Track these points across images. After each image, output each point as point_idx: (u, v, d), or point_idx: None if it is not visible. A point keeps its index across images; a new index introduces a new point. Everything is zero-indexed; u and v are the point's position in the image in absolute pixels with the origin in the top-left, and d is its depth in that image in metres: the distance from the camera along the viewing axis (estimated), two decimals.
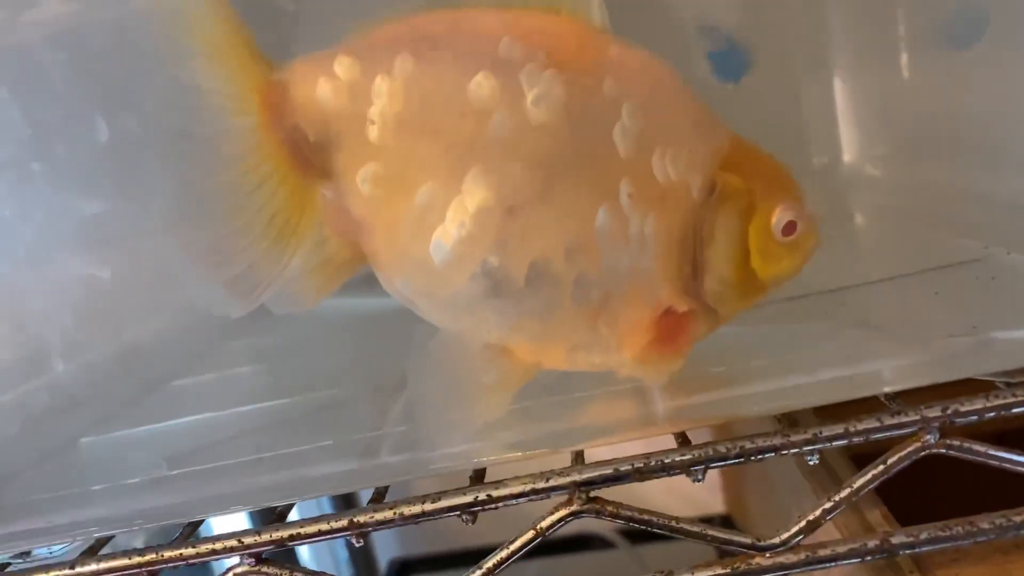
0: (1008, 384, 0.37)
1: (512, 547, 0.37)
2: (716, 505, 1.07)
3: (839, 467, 0.50)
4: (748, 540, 0.36)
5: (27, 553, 0.43)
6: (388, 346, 0.58)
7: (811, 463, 0.37)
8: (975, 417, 0.35)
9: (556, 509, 0.37)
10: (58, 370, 0.64)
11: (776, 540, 0.36)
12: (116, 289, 0.73)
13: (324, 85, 0.37)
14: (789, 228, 0.38)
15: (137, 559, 0.38)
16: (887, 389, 0.37)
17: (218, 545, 0.38)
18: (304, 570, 0.38)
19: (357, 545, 0.39)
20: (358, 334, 0.65)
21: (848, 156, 0.90)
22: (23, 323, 0.64)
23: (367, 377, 0.55)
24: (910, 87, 0.79)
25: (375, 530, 0.38)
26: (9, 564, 0.42)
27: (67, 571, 0.39)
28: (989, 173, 0.62)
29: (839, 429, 0.36)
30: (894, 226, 0.71)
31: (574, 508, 0.37)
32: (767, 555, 0.36)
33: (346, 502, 0.90)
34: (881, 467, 0.36)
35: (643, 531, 0.37)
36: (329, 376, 0.58)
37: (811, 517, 0.36)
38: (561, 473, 0.37)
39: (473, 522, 0.38)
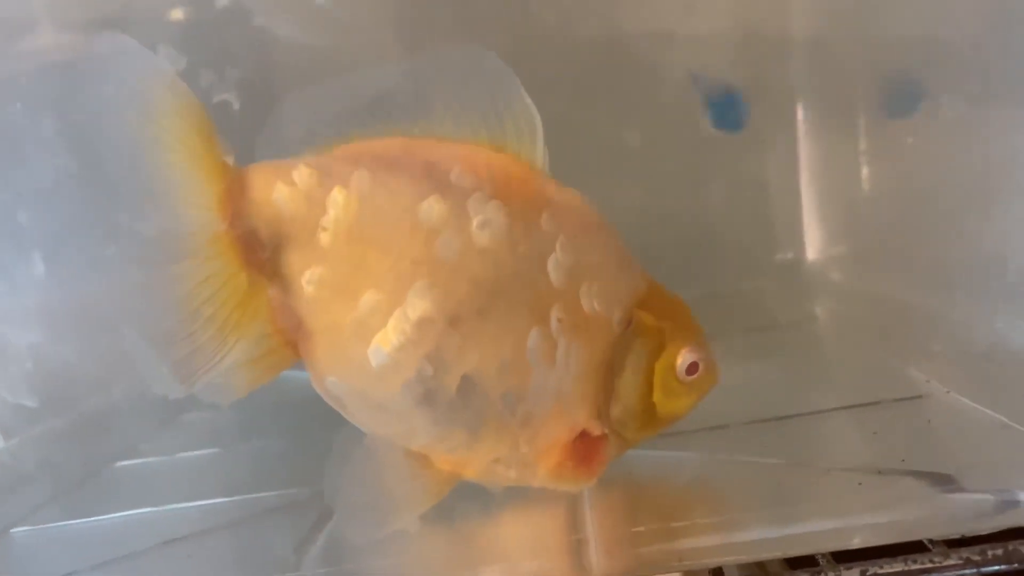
0: (933, 543, 0.37)
1: None
2: None
3: None
4: None
5: None
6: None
7: None
8: None
9: None
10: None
11: None
12: (68, 360, 0.72)
13: (282, 190, 0.39)
14: (692, 368, 0.42)
15: None
16: (817, 551, 0.37)
17: None
18: None
19: None
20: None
21: (812, 254, 0.91)
22: None
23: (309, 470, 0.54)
24: (870, 193, 0.80)
25: None
26: None
27: None
28: (944, 294, 0.63)
29: None
30: (846, 340, 0.71)
31: None
32: None
33: None
34: None
35: None
36: (274, 460, 0.59)
37: None
38: None
39: None
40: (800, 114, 0.87)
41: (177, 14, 0.69)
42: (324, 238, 0.39)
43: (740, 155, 0.87)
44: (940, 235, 0.66)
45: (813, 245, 0.90)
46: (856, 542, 0.38)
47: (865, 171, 0.80)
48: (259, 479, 0.56)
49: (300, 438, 0.61)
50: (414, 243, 0.38)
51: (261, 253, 0.39)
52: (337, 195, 0.39)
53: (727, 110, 0.80)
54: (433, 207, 0.38)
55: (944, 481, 0.40)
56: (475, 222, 0.39)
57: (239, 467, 0.62)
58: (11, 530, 0.53)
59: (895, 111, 0.76)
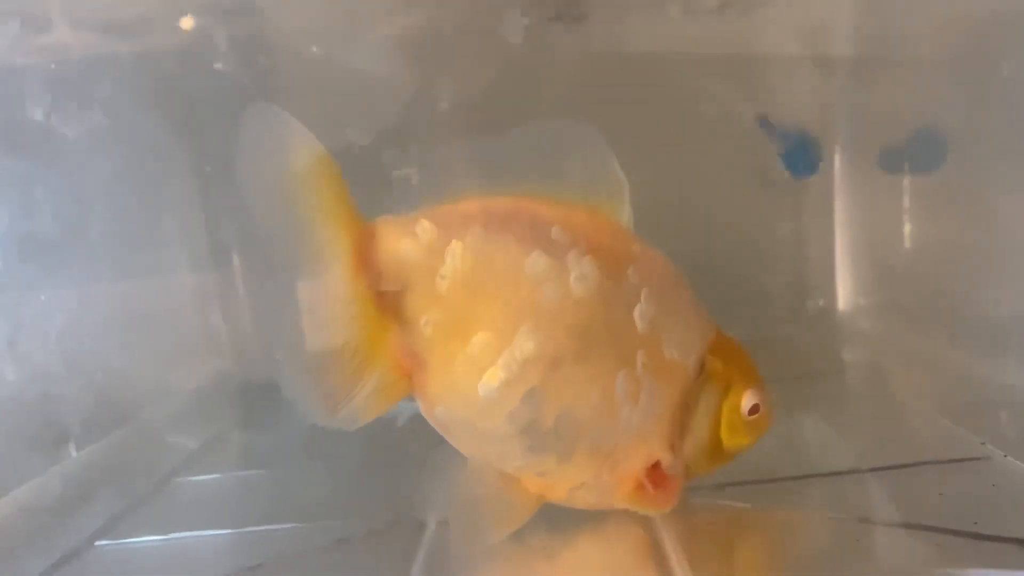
0: None
1: None
2: None
3: None
4: None
5: None
6: (397, 457, 0.61)
7: None
8: None
9: None
10: (72, 456, 0.64)
11: None
12: (133, 372, 0.73)
13: (406, 242, 0.45)
14: (754, 409, 0.48)
15: None
16: None
17: None
18: None
19: None
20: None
21: (843, 304, 0.92)
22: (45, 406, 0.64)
23: (384, 502, 0.57)
24: (907, 245, 0.82)
25: None
26: None
27: None
28: (993, 355, 0.64)
29: None
30: (883, 392, 0.73)
31: None
32: None
33: None
34: None
35: None
36: (341, 488, 0.61)
37: None
38: None
39: None
40: (837, 163, 0.88)
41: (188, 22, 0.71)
42: (442, 285, 0.45)
43: (776, 202, 0.88)
44: (984, 293, 0.67)
45: (845, 295, 0.91)
46: None
47: (901, 227, 0.81)
48: (320, 504, 0.58)
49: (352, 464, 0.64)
50: (521, 292, 0.44)
51: (387, 297, 0.45)
52: (455, 247, 0.45)
53: (799, 154, 0.81)
54: (537, 261, 0.44)
55: None
56: (573, 275, 0.44)
57: (299, 490, 0.63)
58: (96, 543, 0.55)
59: (921, 166, 0.77)
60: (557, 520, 0.49)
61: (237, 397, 0.79)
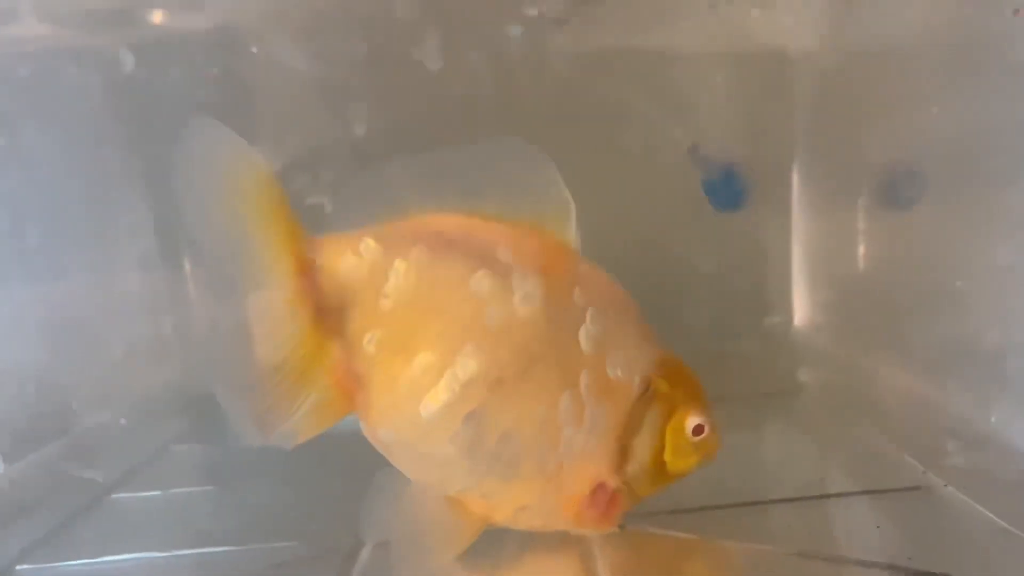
0: None
1: None
2: None
3: None
4: None
5: None
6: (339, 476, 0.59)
7: None
8: None
9: None
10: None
11: None
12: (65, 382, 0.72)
13: (350, 260, 0.45)
14: (698, 430, 0.48)
15: None
16: None
17: None
18: None
19: None
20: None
21: (799, 320, 0.92)
22: None
23: (321, 524, 0.56)
24: (863, 266, 0.82)
25: None
26: None
27: None
28: (938, 381, 0.65)
29: None
30: (835, 414, 0.74)
31: None
32: None
33: None
34: None
35: None
36: (281, 510, 0.60)
37: None
38: None
39: None
40: (795, 182, 0.88)
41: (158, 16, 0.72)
42: (385, 304, 0.45)
43: (733, 219, 0.88)
44: (936, 320, 0.68)
45: (801, 313, 0.91)
46: None
47: (858, 248, 0.82)
48: (257, 525, 0.58)
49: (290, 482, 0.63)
50: (464, 311, 0.45)
51: (329, 315, 0.45)
52: (398, 266, 0.45)
53: (721, 186, 0.80)
54: (482, 280, 0.45)
55: None
56: (517, 295, 0.45)
57: (237, 509, 0.62)
58: (16, 567, 0.53)
59: (897, 202, 0.77)
60: (493, 546, 0.48)
61: (182, 409, 0.78)
